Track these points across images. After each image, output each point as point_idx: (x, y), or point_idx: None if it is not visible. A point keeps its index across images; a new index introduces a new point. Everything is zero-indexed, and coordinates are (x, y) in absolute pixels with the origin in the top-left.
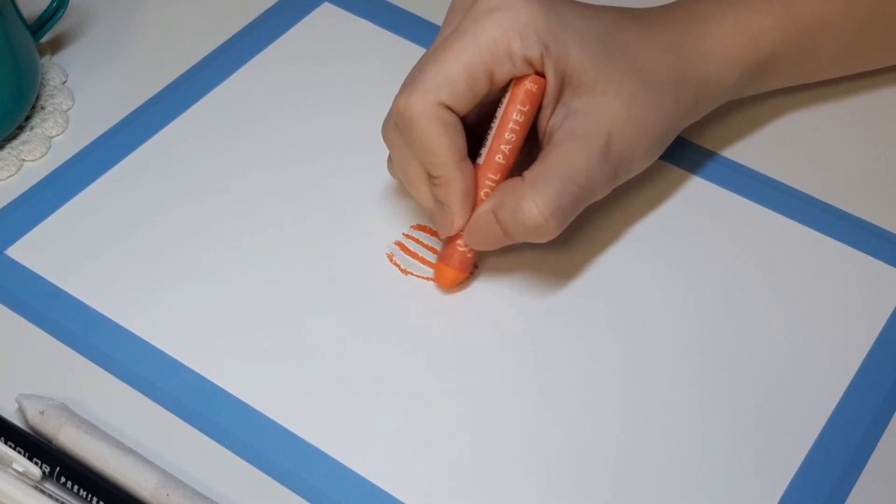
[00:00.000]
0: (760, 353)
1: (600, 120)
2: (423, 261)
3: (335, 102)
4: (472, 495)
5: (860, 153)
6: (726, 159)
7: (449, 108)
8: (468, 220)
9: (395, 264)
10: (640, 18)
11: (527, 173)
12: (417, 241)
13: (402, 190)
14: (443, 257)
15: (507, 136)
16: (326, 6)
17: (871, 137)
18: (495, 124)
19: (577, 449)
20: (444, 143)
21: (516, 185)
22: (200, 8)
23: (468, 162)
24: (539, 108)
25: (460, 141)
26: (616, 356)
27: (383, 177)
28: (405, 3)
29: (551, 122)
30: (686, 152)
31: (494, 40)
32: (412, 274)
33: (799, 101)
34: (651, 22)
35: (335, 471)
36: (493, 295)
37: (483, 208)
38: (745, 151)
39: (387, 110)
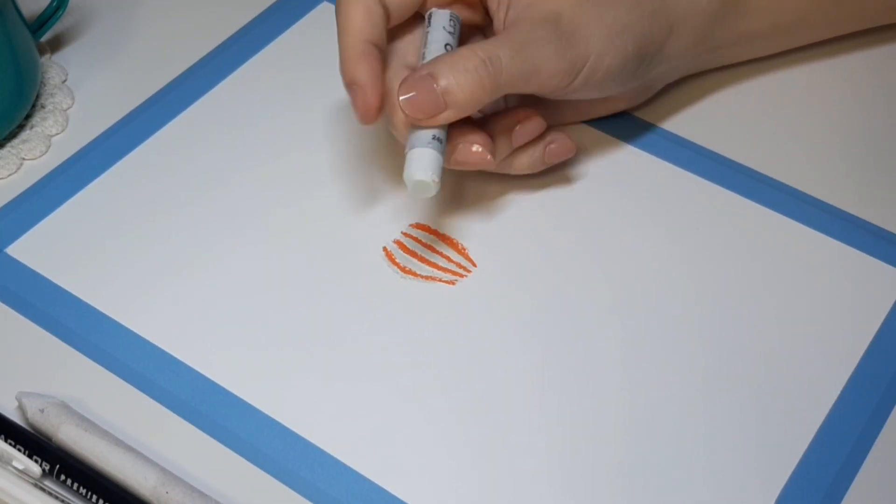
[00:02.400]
0: (758, 350)
1: (550, 6)
2: (422, 259)
3: (334, 101)
4: (473, 495)
5: (859, 152)
6: (725, 158)
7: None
8: (379, 100)
9: (394, 262)
10: None
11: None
12: (416, 239)
13: (402, 188)
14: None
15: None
16: (325, 6)
17: (870, 136)
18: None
19: (576, 446)
20: (356, 23)
21: (458, 49)
22: (200, 7)
23: (378, 50)
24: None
25: (377, 29)
26: (614, 354)
27: (382, 175)
28: None
29: (508, 14)
30: (685, 151)
31: None
32: (411, 272)
33: (799, 100)
34: None
35: (335, 469)
36: (493, 293)
37: (418, 71)
38: (745, 151)
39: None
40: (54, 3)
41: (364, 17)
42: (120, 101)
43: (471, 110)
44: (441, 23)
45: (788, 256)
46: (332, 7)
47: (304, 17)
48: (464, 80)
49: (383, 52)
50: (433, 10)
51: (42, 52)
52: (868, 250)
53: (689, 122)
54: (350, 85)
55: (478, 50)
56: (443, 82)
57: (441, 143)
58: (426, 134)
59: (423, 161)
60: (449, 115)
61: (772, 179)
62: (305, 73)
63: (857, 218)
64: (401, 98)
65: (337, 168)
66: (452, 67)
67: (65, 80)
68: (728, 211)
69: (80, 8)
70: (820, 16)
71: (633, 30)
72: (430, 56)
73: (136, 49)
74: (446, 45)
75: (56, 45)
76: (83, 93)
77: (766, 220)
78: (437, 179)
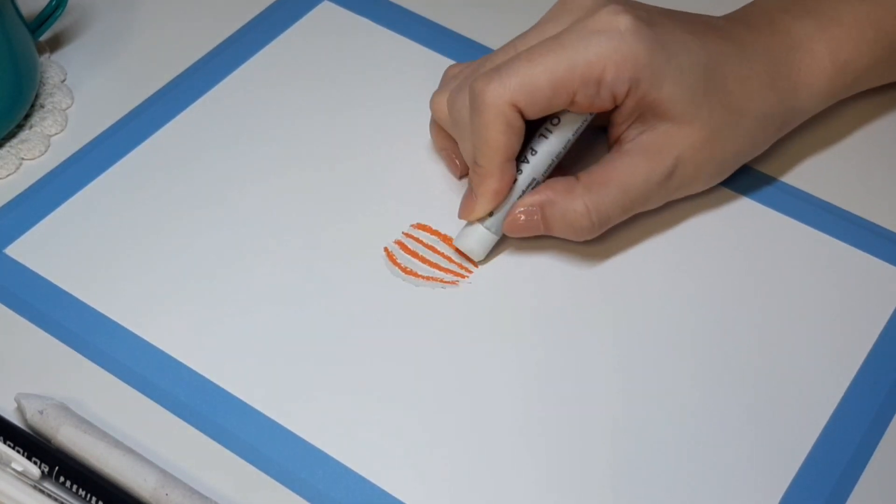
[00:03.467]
0: (761, 352)
1: (675, 144)
2: (424, 259)
3: (335, 101)
4: (473, 495)
5: (861, 152)
6: None
7: (520, 110)
8: (490, 210)
9: (395, 263)
10: (740, 43)
11: (583, 175)
12: (417, 239)
13: (403, 188)
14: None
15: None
16: (326, 4)
17: (872, 136)
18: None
19: (577, 447)
20: (500, 142)
21: (569, 185)
22: (200, 6)
23: (513, 165)
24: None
25: (515, 145)
26: (616, 356)
27: (383, 175)
28: (405, 1)
29: (626, 132)
30: None
31: (590, 64)
32: (412, 272)
33: None
34: (751, 47)
35: (335, 470)
36: (493, 294)
37: (530, 199)
38: None
39: (386, 110)
40: (53, 3)
41: (506, 135)
42: (120, 101)
43: None
44: (566, 135)
45: (790, 257)
46: (332, 6)
47: (304, 17)
48: (568, 230)
49: (514, 165)
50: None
51: (41, 51)
52: (872, 251)
53: None
54: (470, 189)
55: (592, 210)
56: (549, 223)
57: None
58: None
59: (481, 241)
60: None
61: (773, 178)
62: (305, 73)
63: (861, 218)
64: (509, 217)
65: (337, 168)
66: (563, 218)
67: (64, 80)
68: (729, 211)
69: (80, 7)
70: None
71: (743, 159)
72: (541, 154)
73: (135, 48)
74: (558, 154)
75: (55, 44)
76: (82, 92)
77: (768, 219)
78: (480, 253)
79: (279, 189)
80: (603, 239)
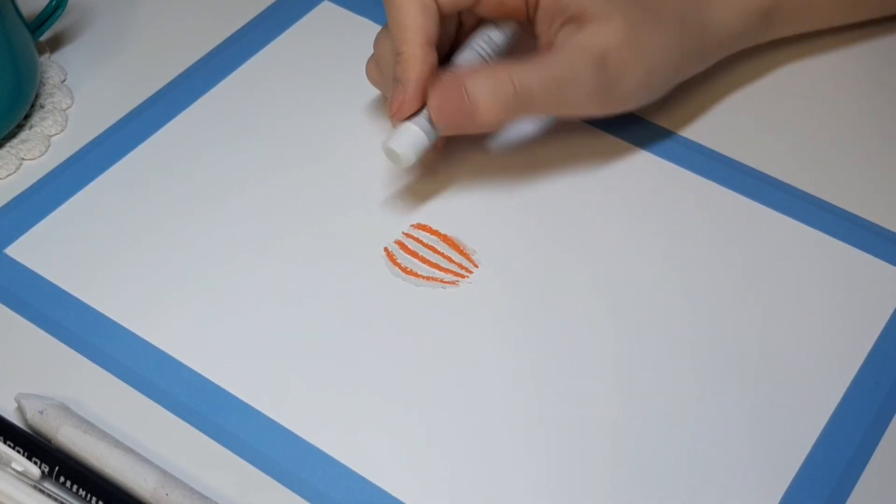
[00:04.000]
0: (761, 352)
1: (599, 40)
2: (424, 259)
3: (335, 101)
4: (473, 495)
5: (861, 151)
6: (727, 157)
7: None
8: (420, 103)
9: (395, 263)
10: None
11: (509, 59)
12: (417, 240)
13: (403, 188)
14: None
15: (467, 53)
16: (326, 4)
17: (872, 135)
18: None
19: (577, 447)
20: (417, 22)
21: (490, 65)
22: (200, 6)
23: (433, 50)
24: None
25: (431, 27)
26: (616, 357)
27: (383, 175)
28: None
29: (556, 36)
30: (687, 150)
31: None
32: (412, 272)
33: (801, 99)
34: None
35: (335, 470)
36: (494, 294)
37: (450, 74)
38: (747, 150)
39: (386, 110)
40: (53, 3)
41: (422, 16)
42: (120, 101)
43: (489, 129)
44: (486, 35)
45: (791, 257)
46: (332, 6)
47: (304, 17)
48: (493, 102)
49: (435, 51)
50: (484, 22)
51: (41, 51)
52: (872, 251)
53: (691, 122)
54: (395, 81)
55: (514, 77)
56: (473, 96)
57: (430, 123)
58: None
59: (412, 141)
60: (466, 128)
61: (773, 178)
62: (305, 73)
63: (861, 218)
64: (431, 102)
65: (337, 168)
66: (486, 87)
67: (64, 80)
68: (729, 211)
69: (80, 7)
70: (846, 17)
71: (671, 69)
72: (464, 58)
73: (135, 49)
74: (481, 53)
75: (55, 44)
76: (82, 92)
77: (768, 219)
78: (412, 155)
79: (279, 189)
80: (604, 240)
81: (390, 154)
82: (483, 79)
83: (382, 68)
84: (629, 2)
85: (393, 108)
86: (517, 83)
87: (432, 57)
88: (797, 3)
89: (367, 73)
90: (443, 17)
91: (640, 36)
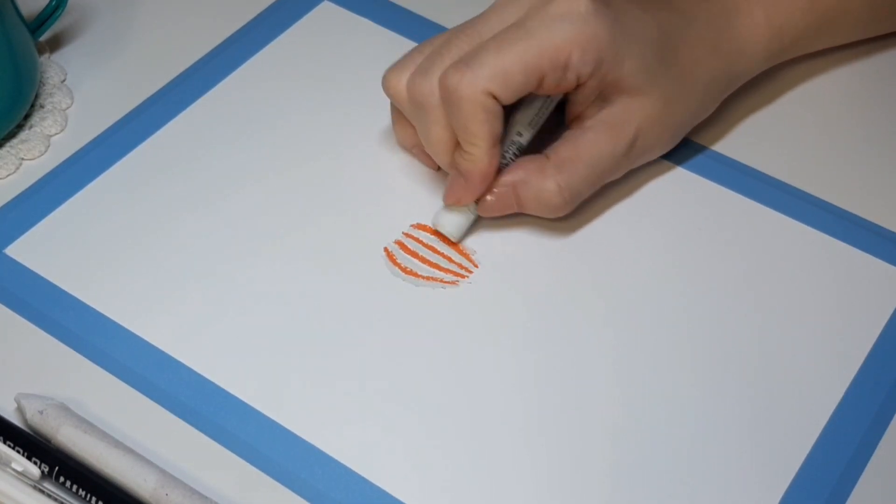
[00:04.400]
0: (761, 352)
1: (634, 116)
2: (424, 260)
3: (335, 101)
4: (472, 495)
5: (861, 151)
6: (727, 158)
7: (495, 97)
8: (478, 196)
9: (395, 263)
10: (685, 12)
11: (552, 154)
12: (417, 240)
13: (403, 188)
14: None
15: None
16: (326, 4)
17: (872, 135)
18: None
19: (576, 448)
20: (484, 129)
21: (540, 163)
22: (200, 6)
23: (499, 148)
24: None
25: (498, 128)
26: (616, 357)
27: (383, 175)
28: (405, 1)
29: (587, 110)
30: (689, 151)
31: (557, 49)
32: (412, 272)
33: (801, 99)
34: (693, 16)
35: (335, 470)
36: (493, 294)
37: (504, 179)
38: (747, 150)
39: (386, 110)
40: (53, 3)
41: (488, 122)
42: (119, 101)
43: None
44: (532, 111)
45: (791, 256)
46: (332, 6)
47: (304, 17)
48: (541, 208)
49: (499, 149)
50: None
51: (41, 51)
52: (872, 251)
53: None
54: (457, 172)
55: (564, 187)
56: (523, 202)
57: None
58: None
59: (455, 220)
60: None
61: (773, 178)
62: (305, 73)
63: (861, 218)
64: (482, 207)
65: (337, 168)
66: (536, 197)
67: (64, 80)
68: (729, 211)
69: (80, 7)
70: (854, 37)
71: (694, 123)
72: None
73: (135, 49)
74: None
75: (55, 44)
76: (82, 92)
77: (768, 219)
78: (458, 236)
79: (279, 189)
80: (604, 241)
81: (440, 228)
82: (535, 190)
83: (417, 116)
84: (667, 75)
85: (451, 199)
86: (567, 195)
87: (496, 157)
88: (812, 40)
89: (387, 84)
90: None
91: (671, 109)
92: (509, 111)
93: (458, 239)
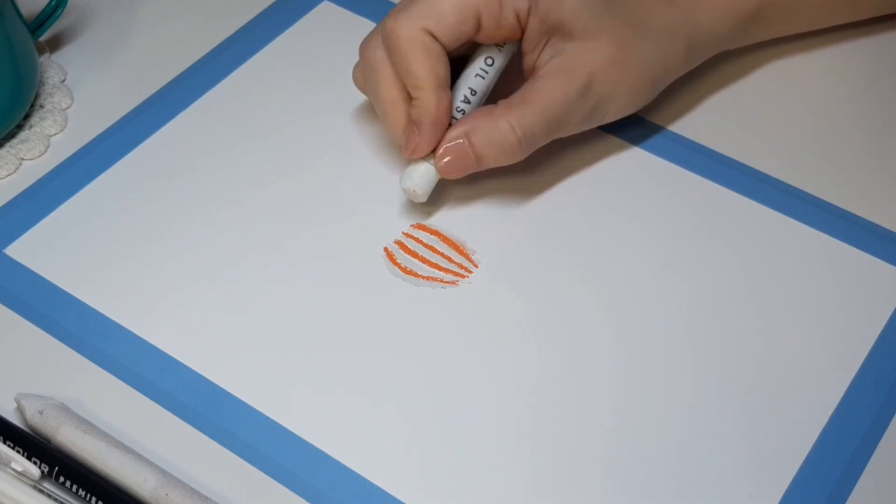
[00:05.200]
0: (761, 352)
1: (585, 60)
2: (423, 259)
3: (335, 101)
4: (472, 495)
5: (861, 151)
6: (726, 157)
7: (434, 36)
8: (435, 144)
9: (395, 263)
10: None
11: (503, 101)
12: (417, 240)
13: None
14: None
15: (474, 80)
16: (326, 4)
17: (872, 135)
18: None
19: (576, 448)
20: (425, 67)
21: (489, 109)
22: (200, 6)
23: (447, 91)
24: (518, 52)
25: (441, 68)
26: (616, 357)
27: (383, 175)
28: None
29: (539, 59)
30: (685, 149)
31: None
32: (412, 272)
33: (801, 98)
34: None
35: (335, 470)
36: (493, 294)
37: (456, 131)
38: (747, 150)
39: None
40: (53, 3)
41: (430, 60)
42: (119, 101)
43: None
44: (488, 57)
45: (790, 256)
46: (332, 6)
47: (304, 16)
48: (499, 154)
49: (448, 91)
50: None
51: (41, 51)
52: (872, 251)
53: (690, 121)
54: (411, 124)
55: (516, 126)
56: (479, 150)
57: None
58: None
59: (417, 172)
60: (472, 172)
61: (773, 178)
62: (305, 73)
63: (861, 218)
64: (439, 162)
65: (337, 168)
66: (491, 140)
67: (64, 80)
68: (729, 210)
69: (80, 7)
70: (832, 20)
71: (658, 79)
72: (468, 85)
73: (135, 49)
74: (484, 77)
75: (55, 44)
76: (82, 92)
77: (768, 219)
78: (425, 190)
79: (279, 189)
80: (604, 240)
81: (406, 191)
82: (487, 133)
83: (367, 78)
84: (615, 19)
85: (408, 150)
86: (520, 132)
87: (445, 99)
88: (783, 6)
89: (353, 79)
90: (447, 51)
91: (625, 54)
92: (457, 73)
93: (426, 197)
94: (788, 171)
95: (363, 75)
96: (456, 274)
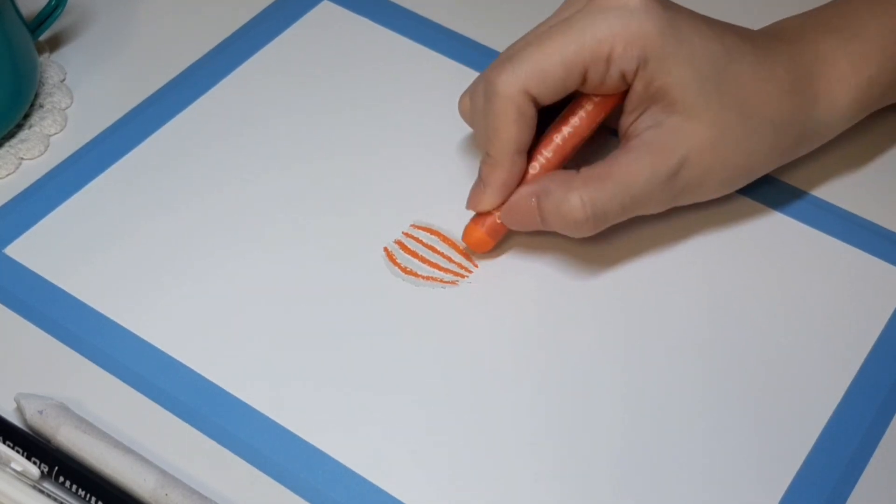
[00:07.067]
0: (761, 352)
1: (681, 141)
2: (423, 259)
3: (334, 101)
4: (473, 495)
5: (862, 152)
6: None
7: (533, 98)
8: (498, 205)
9: (395, 263)
10: (764, 47)
11: (584, 169)
12: (417, 239)
13: (403, 188)
14: (477, 218)
15: (561, 135)
16: (326, 4)
17: (872, 136)
18: (557, 123)
19: (578, 447)
20: (511, 132)
21: (568, 177)
22: (200, 5)
23: (523, 158)
24: (615, 112)
25: (526, 136)
26: (617, 356)
27: (382, 175)
28: (405, 1)
29: (634, 125)
30: None
31: (599, 41)
32: (412, 272)
33: None
34: (774, 55)
35: (335, 470)
36: (493, 294)
37: (526, 189)
38: None
39: (385, 109)
40: (53, 2)
41: (517, 126)
42: (119, 101)
43: None
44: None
45: (790, 256)
46: (332, 6)
47: (304, 16)
48: (564, 225)
49: (524, 158)
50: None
51: (41, 51)
52: (872, 251)
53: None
54: (480, 178)
55: (587, 201)
56: (545, 216)
57: None
58: None
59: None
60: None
61: (773, 178)
62: (305, 73)
63: (861, 218)
64: (504, 217)
65: (337, 168)
66: (558, 210)
67: (63, 80)
68: (728, 210)
69: (79, 7)
70: None
71: (754, 172)
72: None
73: (135, 48)
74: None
75: (55, 44)
76: (82, 92)
77: (767, 219)
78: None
79: (279, 189)
80: (603, 238)
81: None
82: (557, 202)
83: (474, 110)
84: (723, 99)
85: (470, 204)
86: (590, 210)
87: (519, 165)
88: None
89: (459, 107)
90: (544, 104)
91: (725, 143)
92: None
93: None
94: (788, 171)
95: (471, 111)
96: (456, 274)
